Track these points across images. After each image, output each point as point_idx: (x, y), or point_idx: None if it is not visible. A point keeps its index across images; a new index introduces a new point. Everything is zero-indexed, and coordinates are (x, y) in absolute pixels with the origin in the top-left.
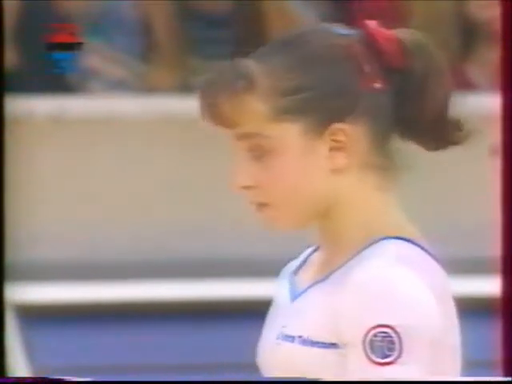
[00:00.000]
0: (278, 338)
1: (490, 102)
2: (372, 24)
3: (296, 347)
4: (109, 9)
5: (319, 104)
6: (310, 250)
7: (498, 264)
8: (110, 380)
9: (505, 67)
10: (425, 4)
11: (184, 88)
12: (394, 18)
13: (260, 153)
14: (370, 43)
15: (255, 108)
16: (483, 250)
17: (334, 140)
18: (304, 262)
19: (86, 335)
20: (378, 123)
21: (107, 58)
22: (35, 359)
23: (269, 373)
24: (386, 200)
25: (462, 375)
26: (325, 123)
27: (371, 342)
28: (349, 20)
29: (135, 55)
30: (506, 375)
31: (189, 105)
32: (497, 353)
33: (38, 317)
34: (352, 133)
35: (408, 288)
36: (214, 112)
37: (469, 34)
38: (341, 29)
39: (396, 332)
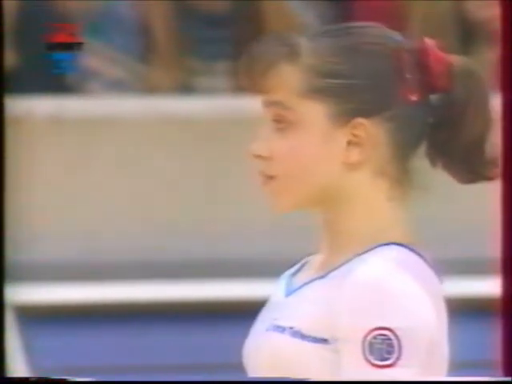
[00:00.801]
0: (267, 330)
1: None
2: (429, 41)
3: (285, 338)
4: (107, 9)
5: (351, 94)
6: (308, 257)
7: (498, 264)
8: (110, 380)
9: (505, 67)
10: (423, 4)
11: (183, 88)
12: (392, 18)
13: (282, 124)
14: (420, 57)
15: (291, 79)
16: (483, 250)
17: (353, 134)
18: (303, 265)
19: (86, 335)
20: (404, 135)
21: (106, 59)
22: (34, 359)
23: (253, 367)
24: (394, 211)
25: (463, 375)
26: (350, 114)
27: (370, 344)
28: (347, 20)
29: (134, 55)
30: (506, 375)
31: (188, 105)
32: (497, 353)
33: (38, 317)
34: (372, 132)
35: (407, 292)
36: (252, 74)
37: (467, 33)
38: (394, 33)
39: (395, 335)
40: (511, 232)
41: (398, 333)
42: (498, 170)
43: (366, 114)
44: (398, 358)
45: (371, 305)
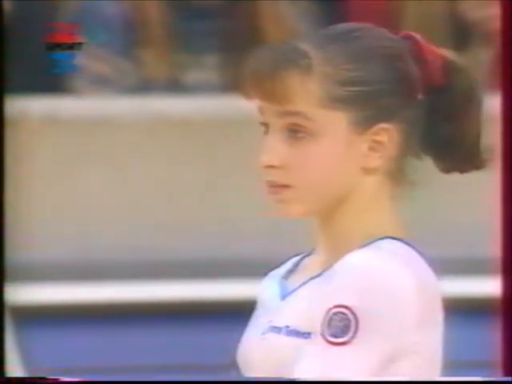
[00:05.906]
0: (263, 333)
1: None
2: (418, 36)
3: (281, 338)
4: (95, 7)
5: (372, 100)
6: (297, 257)
7: (498, 264)
8: (109, 380)
9: (505, 67)
10: (418, 4)
11: (173, 83)
12: (387, 18)
13: (299, 134)
14: (417, 54)
15: (310, 90)
16: (483, 250)
17: (374, 140)
18: (295, 266)
19: (84, 335)
20: (411, 135)
21: (99, 58)
22: (31, 360)
23: (251, 371)
24: (392, 209)
25: (463, 376)
26: (372, 120)
27: (330, 320)
28: (342, 21)
29: (123, 52)
30: (506, 375)
31: (185, 104)
32: (497, 353)
33: (34, 317)
34: (394, 136)
35: (387, 277)
36: (266, 86)
37: (462, 33)
38: (390, 33)
39: (353, 313)
40: (511, 232)
41: (357, 312)
42: (489, 159)
43: (386, 118)
44: (352, 337)
45: (341, 285)
